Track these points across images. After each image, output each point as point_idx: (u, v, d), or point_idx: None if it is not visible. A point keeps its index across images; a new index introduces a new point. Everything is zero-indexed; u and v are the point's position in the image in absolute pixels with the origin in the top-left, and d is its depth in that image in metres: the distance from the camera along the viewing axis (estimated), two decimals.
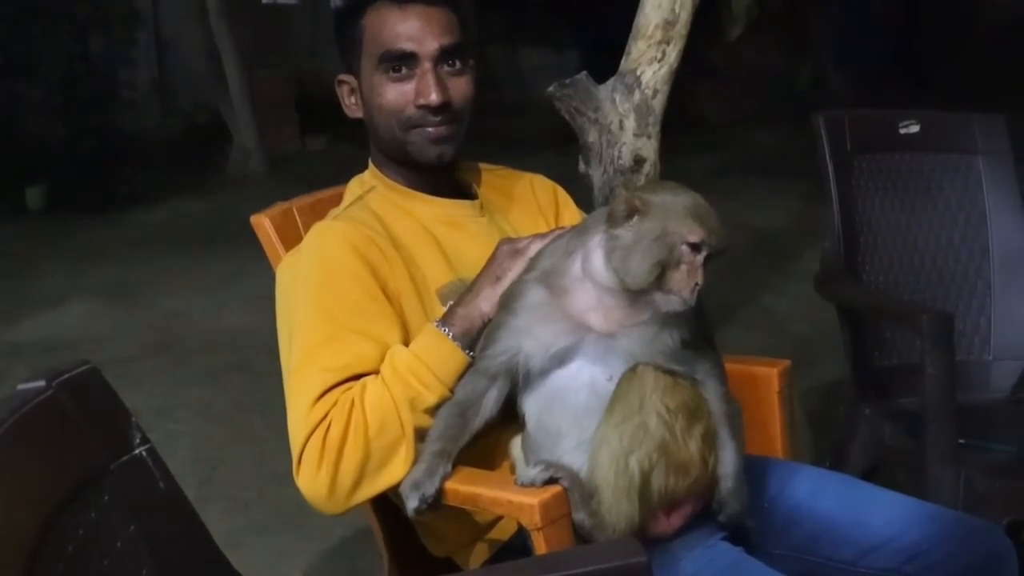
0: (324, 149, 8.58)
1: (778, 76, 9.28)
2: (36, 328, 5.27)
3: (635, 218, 1.63)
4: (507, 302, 1.74)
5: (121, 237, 6.78)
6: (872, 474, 2.64)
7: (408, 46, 1.93)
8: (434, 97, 1.91)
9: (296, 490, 3.54)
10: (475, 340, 1.78)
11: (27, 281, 6.00)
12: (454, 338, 1.77)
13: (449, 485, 1.74)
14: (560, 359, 1.70)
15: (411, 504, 1.70)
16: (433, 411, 1.75)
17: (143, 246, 6.58)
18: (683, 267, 1.61)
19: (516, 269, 1.79)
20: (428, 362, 1.76)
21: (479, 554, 1.89)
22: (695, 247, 1.61)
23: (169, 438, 4.02)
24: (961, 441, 2.39)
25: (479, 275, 1.85)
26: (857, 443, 2.69)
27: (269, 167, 8.15)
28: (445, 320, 1.80)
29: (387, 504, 1.95)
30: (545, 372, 1.72)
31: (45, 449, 1.22)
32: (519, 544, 1.79)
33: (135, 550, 1.28)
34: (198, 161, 8.34)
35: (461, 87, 1.96)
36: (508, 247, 1.84)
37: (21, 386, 1.25)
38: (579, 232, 1.73)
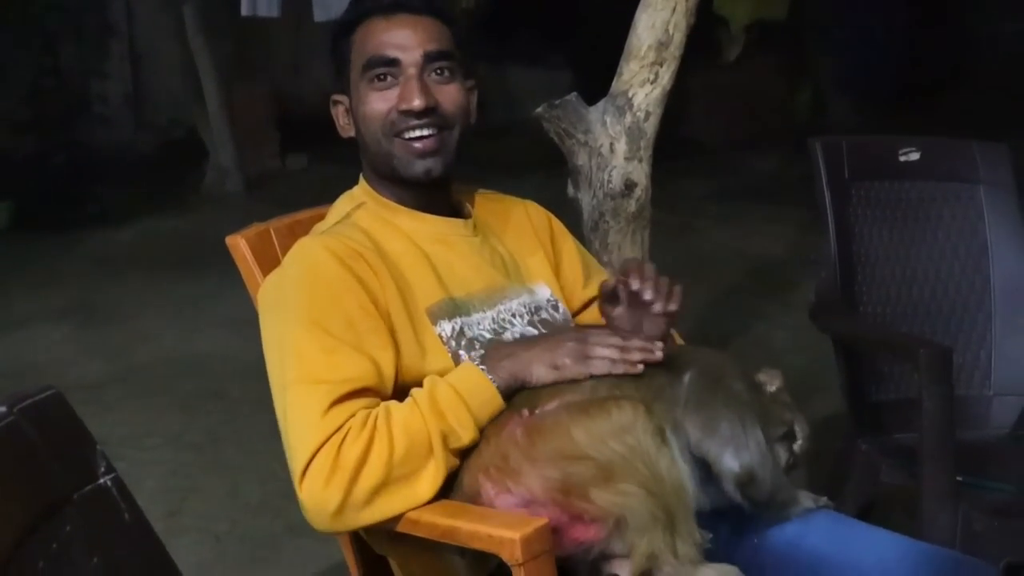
0: (305, 168, 8.58)
1: (777, 99, 9.31)
2: (1, 351, 5.26)
3: None
4: None
5: (90, 257, 6.77)
6: (868, 511, 2.65)
7: (391, 52, 1.96)
8: (417, 102, 1.93)
9: (270, 522, 3.57)
10: (512, 394, 1.80)
11: None
12: (497, 388, 1.79)
13: (426, 517, 1.74)
14: None
15: None
16: (459, 453, 1.76)
17: (113, 267, 6.56)
18: None
19: (573, 372, 1.80)
20: (469, 403, 1.77)
21: None
22: None
23: (137, 467, 4.01)
24: (959, 479, 2.39)
25: (538, 343, 1.86)
26: (853, 479, 2.69)
27: (247, 187, 8.14)
28: (488, 365, 1.81)
29: (363, 541, 1.95)
30: None
31: (4, 477, 1.21)
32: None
33: None
34: (172, 179, 8.32)
35: (450, 94, 1.98)
36: (576, 345, 1.83)
37: None
38: None
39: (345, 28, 2.02)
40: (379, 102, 1.98)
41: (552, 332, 1.92)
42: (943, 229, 2.90)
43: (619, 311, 2.02)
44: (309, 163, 8.59)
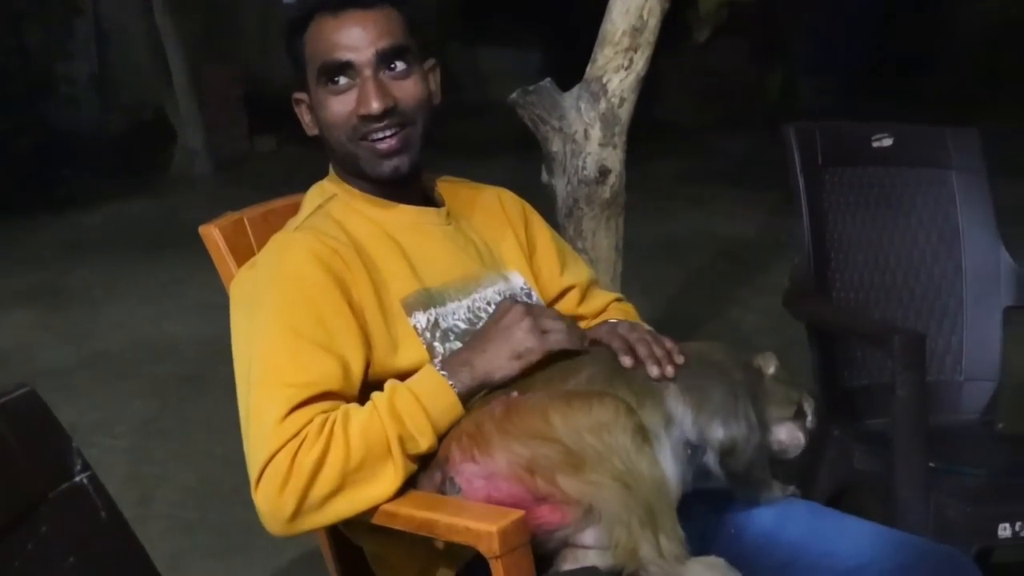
0: (274, 150, 8.56)
1: (748, 82, 9.32)
2: None
3: None
4: None
5: (57, 241, 6.73)
6: (840, 497, 2.66)
7: (343, 55, 1.93)
8: (375, 106, 1.91)
9: (243, 510, 3.53)
10: (473, 398, 1.80)
11: None
12: (458, 394, 1.78)
13: (403, 510, 1.74)
14: None
15: None
16: (417, 459, 1.76)
17: (81, 250, 6.53)
18: None
19: (537, 354, 1.80)
20: (428, 409, 1.76)
21: None
22: None
23: (108, 454, 4.00)
24: (931, 465, 2.40)
25: (488, 338, 1.84)
26: (825, 465, 2.70)
27: (215, 168, 8.11)
28: (449, 370, 1.80)
29: (339, 531, 1.95)
30: None
31: None
32: (478, 568, 1.79)
33: None
34: (140, 161, 8.28)
35: (408, 89, 1.96)
36: (530, 322, 1.83)
37: None
38: None
39: (296, 26, 1.99)
40: (338, 106, 1.95)
41: (494, 319, 1.89)
42: (915, 215, 2.90)
43: None
44: (278, 145, 8.57)
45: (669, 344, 1.87)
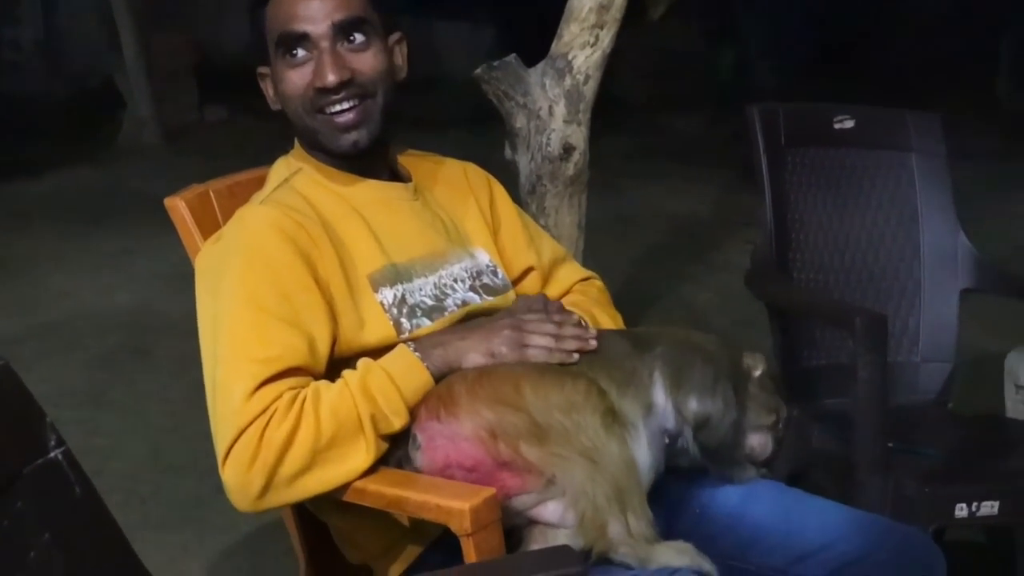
0: (224, 120, 8.47)
1: (700, 61, 9.35)
2: None
3: None
4: None
5: (2, 210, 6.63)
6: (799, 477, 2.68)
7: (300, 27, 1.91)
8: (330, 78, 1.89)
9: (196, 483, 3.54)
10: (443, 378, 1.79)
11: None
12: (432, 375, 1.78)
13: (373, 487, 1.73)
14: None
15: None
16: (388, 438, 1.75)
17: (27, 220, 6.44)
18: None
19: (511, 358, 1.80)
20: (401, 388, 1.75)
21: (397, 562, 1.88)
22: None
23: (57, 427, 3.95)
24: (889, 445, 2.42)
25: (472, 330, 1.86)
26: (785, 445, 2.71)
27: (165, 138, 8.02)
28: (422, 351, 1.80)
29: (304, 508, 1.94)
30: None
31: None
32: (447, 545, 1.79)
33: (49, 559, 1.25)
34: (88, 130, 8.16)
35: (366, 61, 1.93)
36: (513, 332, 1.84)
37: None
38: None
39: (258, 1, 1.98)
40: (296, 78, 1.93)
41: (489, 318, 1.91)
42: (876, 196, 2.92)
43: None
44: (228, 115, 8.48)
45: (580, 325, 1.89)
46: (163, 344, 4.59)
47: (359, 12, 1.93)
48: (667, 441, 1.81)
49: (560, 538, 1.72)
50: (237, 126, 8.07)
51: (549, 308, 1.93)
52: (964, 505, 2.34)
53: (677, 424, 1.82)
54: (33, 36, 8.91)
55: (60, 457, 1.29)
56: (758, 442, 1.95)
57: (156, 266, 5.33)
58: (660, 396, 1.82)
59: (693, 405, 1.82)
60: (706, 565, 1.69)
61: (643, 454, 1.75)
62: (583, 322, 1.92)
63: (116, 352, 4.62)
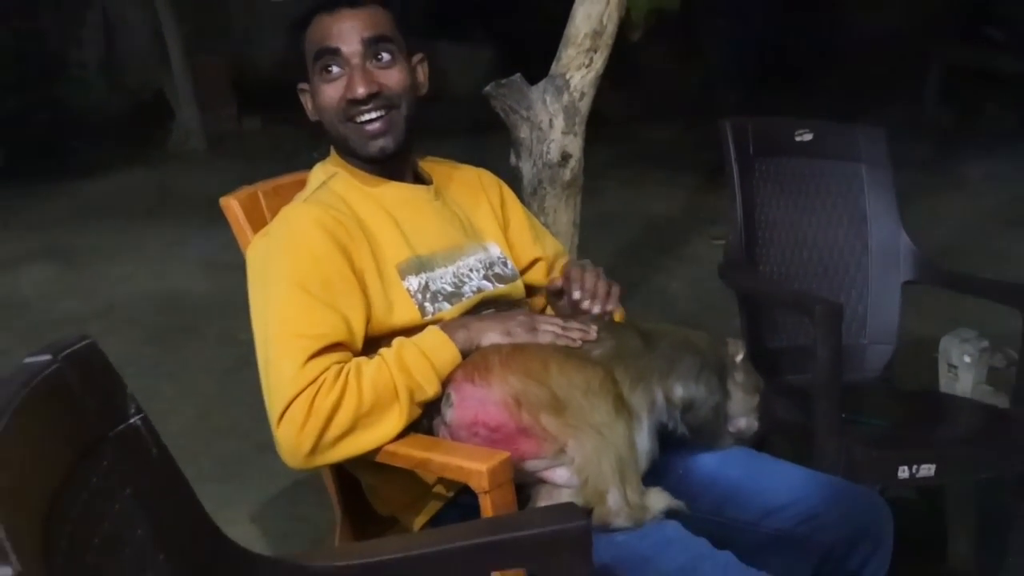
0: (259, 129, 8.42)
1: (670, 80, 9.34)
2: None
3: None
4: None
5: (70, 206, 6.60)
6: (763, 443, 2.68)
7: (334, 43, 1.92)
8: (360, 90, 1.90)
9: (238, 442, 3.52)
10: (466, 356, 1.79)
11: None
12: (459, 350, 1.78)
13: (403, 450, 1.74)
14: None
15: None
16: (423, 405, 1.75)
17: (92, 215, 6.40)
18: None
19: (523, 339, 1.81)
20: (433, 361, 1.75)
21: (420, 515, 1.88)
22: None
23: None
24: (842, 415, 2.41)
25: (490, 316, 1.87)
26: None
27: (208, 144, 7.99)
28: (448, 331, 1.80)
29: (341, 467, 1.94)
30: None
31: (54, 419, 1.17)
32: (463, 503, 1.79)
33: (131, 511, 1.25)
34: (142, 137, 8.12)
35: (392, 76, 1.94)
36: (526, 318, 1.85)
37: (28, 359, 1.21)
38: None
39: (299, 25, 1.98)
40: (331, 91, 1.94)
41: (507, 312, 1.92)
42: (831, 200, 2.90)
43: (563, 303, 2.03)
44: (263, 124, 8.43)
45: (612, 288, 1.95)
46: (208, 322, 4.57)
47: (385, 31, 1.94)
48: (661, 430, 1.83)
49: (565, 496, 1.72)
50: (270, 134, 8.03)
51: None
52: (906, 468, 2.34)
53: (671, 415, 1.83)
54: (96, 57, 8.84)
55: (139, 423, 1.28)
56: (746, 424, 1.96)
57: (201, 255, 5.30)
58: (658, 391, 1.82)
59: (679, 391, 1.83)
60: (676, 503, 1.74)
61: (644, 442, 1.77)
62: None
63: (168, 329, 4.60)
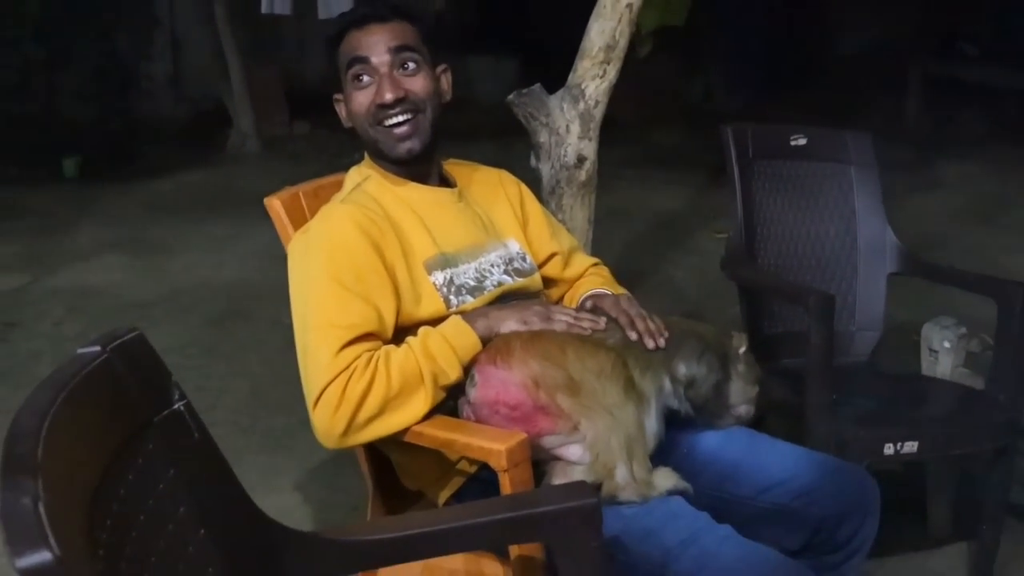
0: (308, 133, 8.38)
1: (676, 88, 9.27)
2: (70, 277, 5.10)
3: None
4: None
5: (139, 202, 6.58)
6: (759, 422, 2.62)
7: (363, 52, 1.87)
8: (388, 96, 1.85)
9: (286, 417, 3.48)
10: (486, 343, 1.74)
11: (63, 237, 5.79)
12: (479, 337, 1.74)
13: (429, 431, 1.68)
14: None
15: None
16: (446, 388, 1.69)
17: (157, 210, 6.38)
18: None
19: (539, 327, 1.75)
20: (456, 347, 1.70)
21: (445, 489, 1.84)
22: None
23: (179, 372, 3.85)
24: (833, 396, 2.35)
25: (509, 308, 1.81)
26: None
27: (262, 147, 7.96)
28: (469, 320, 1.75)
29: (372, 445, 1.89)
30: None
31: (103, 405, 1.13)
32: (485, 478, 1.74)
33: (174, 491, 1.20)
34: (203, 141, 8.11)
35: (417, 83, 1.89)
36: (542, 308, 1.80)
37: (80, 350, 1.16)
38: None
39: (333, 41, 1.93)
40: (361, 98, 1.89)
41: (524, 302, 1.86)
42: (822, 199, 2.83)
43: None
44: (311, 129, 8.39)
45: (658, 321, 1.83)
46: (260, 308, 4.53)
47: (410, 42, 1.89)
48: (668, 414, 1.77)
49: (577, 473, 1.66)
50: (317, 137, 7.98)
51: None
52: (891, 445, 2.28)
53: (676, 393, 1.77)
54: (163, 70, 8.83)
55: (182, 408, 1.23)
56: (745, 411, 1.90)
57: (254, 247, 5.27)
58: (665, 378, 1.76)
59: (682, 369, 1.78)
60: (682, 484, 1.69)
61: (652, 424, 1.71)
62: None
63: (224, 314, 4.57)
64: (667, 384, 1.76)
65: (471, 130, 7.20)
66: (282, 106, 8.48)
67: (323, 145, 7.46)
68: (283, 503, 3.02)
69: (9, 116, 7.36)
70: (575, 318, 1.77)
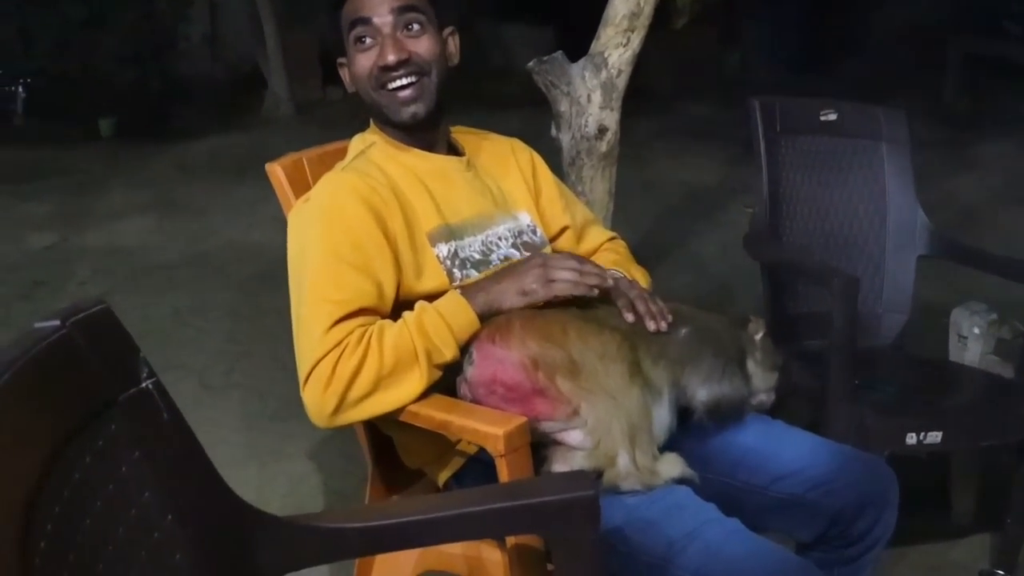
0: (341, 98, 8.28)
1: (711, 60, 9.08)
2: (101, 236, 5.06)
3: None
4: None
5: (172, 163, 6.53)
6: (779, 404, 2.51)
7: (365, 13, 1.76)
8: (391, 58, 1.74)
9: None
10: (485, 320, 1.63)
11: (96, 196, 5.76)
12: (477, 315, 1.62)
13: (424, 411, 1.58)
14: None
15: None
16: (442, 367, 1.60)
17: (190, 172, 6.33)
18: None
19: (541, 295, 1.63)
20: (451, 325, 1.59)
21: (445, 469, 1.75)
22: None
23: (202, 333, 3.86)
24: (856, 382, 2.23)
25: (506, 274, 1.67)
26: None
27: (296, 111, 7.91)
28: (467, 295, 1.64)
29: (372, 423, 1.80)
30: None
31: (55, 384, 1.04)
32: (486, 459, 1.64)
33: (139, 474, 1.11)
34: (239, 104, 8.06)
35: (422, 44, 1.77)
36: (540, 271, 1.66)
37: (38, 324, 1.07)
38: None
39: (336, 3, 1.82)
40: (364, 61, 1.78)
41: (516, 263, 1.73)
42: (852, 177, 2.69)
43: None
44: (344, 94, 8.26)
45: (661, 303, 1.69)
46: (282, 272, 4.42)
47: (414, 2, 1.77)
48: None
49: (577, 459, 1.56)
50: (350, 102, 7.85)
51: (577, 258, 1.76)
52: (913, 434, 2.16)
53: (692, 406, 1.66)
54: (201, 32, 8.76)
55: (151, 387, 1.14)
56: (764, 398, 1.78)
57: (281, 212, 5.19)
58: (681, 377, 1.64)
59: (702, 394, 1.65)
60: (688, 472, 1.58)
61: (663, 415, 1.59)
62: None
63: (250, 277, 4.50)
64: (680, 376, 1.63)
65: (506, 98, 7.09)
66: (316, 71, 8.38)
67: (355, 110, 7.33)
68: (297, 470, 2.95)
69: (48, 75, 7.33)
70: (580, 273, 1.65)
